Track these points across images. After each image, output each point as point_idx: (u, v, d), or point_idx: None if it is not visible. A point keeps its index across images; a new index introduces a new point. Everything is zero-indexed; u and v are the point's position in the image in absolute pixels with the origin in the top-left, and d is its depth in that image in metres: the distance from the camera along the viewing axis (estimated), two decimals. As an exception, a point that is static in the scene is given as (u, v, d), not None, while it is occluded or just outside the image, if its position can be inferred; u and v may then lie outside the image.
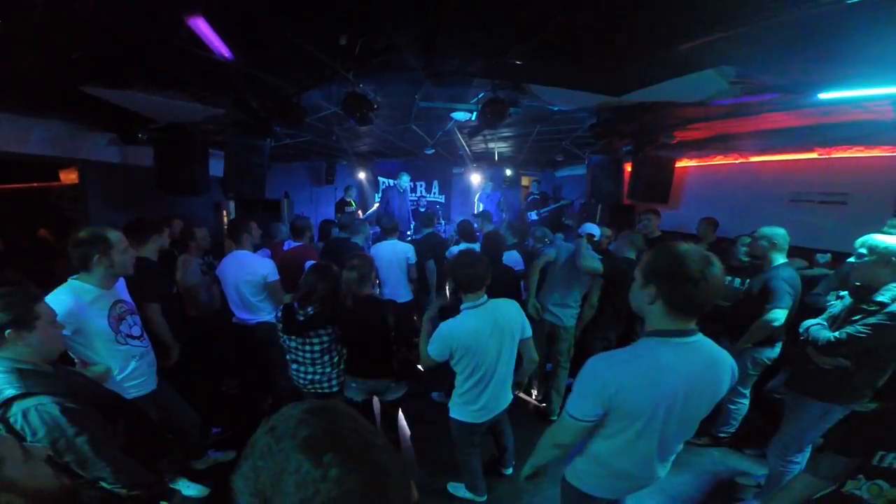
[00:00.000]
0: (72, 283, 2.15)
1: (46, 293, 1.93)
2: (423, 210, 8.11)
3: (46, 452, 1.05)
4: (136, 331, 2.37)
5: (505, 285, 3.10)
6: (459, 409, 2.48)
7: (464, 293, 2.30)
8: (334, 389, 2.66)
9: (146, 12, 1.93)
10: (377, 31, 2.14)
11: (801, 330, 2.44)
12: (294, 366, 2.68)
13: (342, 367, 2.68)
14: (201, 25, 2.05)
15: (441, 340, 2.25)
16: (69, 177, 4.48)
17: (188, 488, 2.81)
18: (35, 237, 4.53)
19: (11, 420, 1.41)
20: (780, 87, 2.84)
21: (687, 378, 1.37)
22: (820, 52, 2.15)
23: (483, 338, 2.24)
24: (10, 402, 1.42)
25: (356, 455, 0.56)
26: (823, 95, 2.86)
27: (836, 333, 2.18)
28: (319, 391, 2.65)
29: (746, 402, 3.24)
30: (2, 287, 1.50)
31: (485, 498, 2.81)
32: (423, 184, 9.56)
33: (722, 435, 3.34)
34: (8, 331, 1.47)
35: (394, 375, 2.68)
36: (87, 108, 3.29)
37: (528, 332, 2.40)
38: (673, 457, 1.57)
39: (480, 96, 3.45)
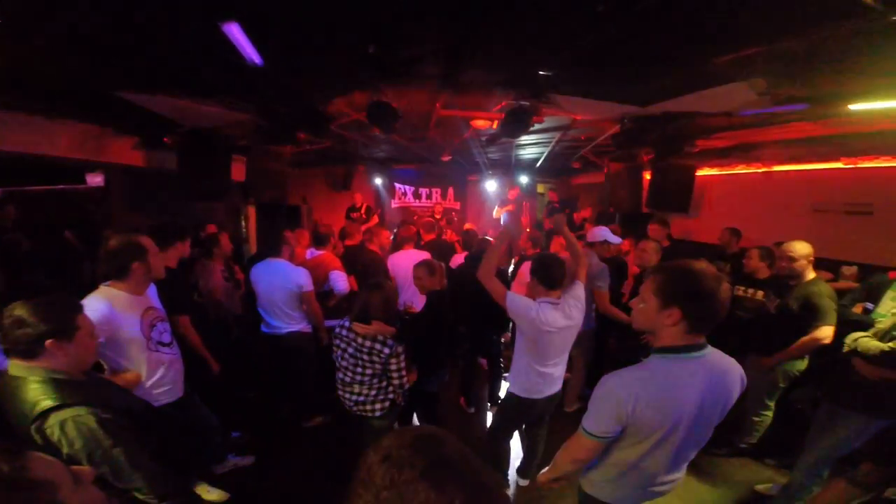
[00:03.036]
0: (104, 289, 2.15)
1: (75, 296, 1.95)
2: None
3: (94, 473, 1.05)
4: (167, 338, 2.38)
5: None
6: (518, 386, 2.60)
7: (544, 289, 2.40)
8: (376, 415, 2.55)
9: (179, 17, 1.97)
10: (405, 42, 2.16)
11: (847, 342, 2.39)
12: (340, 386, 2.61)
13: (390, 396, 2.58)
14: (234, 31, 2.09)
15: (526, 307, 2.35)
16: (94, 180, 4.57)
17: (209, 493, 2.81)
18: (60, 239, 4.62)
19: (48, 431, 1.40)
20: (809, 99, 2.80)
21: (700, 391, 1.39)
22: (854, 64, 2.12)
23: (555, 328, 2.37)
24: (47, 413, 1.40)
25: (472, 481, 0.59)
26: (854, 107, 2.82)
27: (891, 343, 2.14)
28: (362, 413, 2.56)
29: (771, 414, 3.18)
30: (44, 296, 1.52)
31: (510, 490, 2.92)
32: (439, 190, 9.60)
33: (743, 445, 3.29)
34: (48, 341, 1.45)
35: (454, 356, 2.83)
36: (114, 112, 3.35)
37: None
38: (686, 463, 1.59)
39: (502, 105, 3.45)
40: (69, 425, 1.42)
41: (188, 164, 4.35)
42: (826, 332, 2.74)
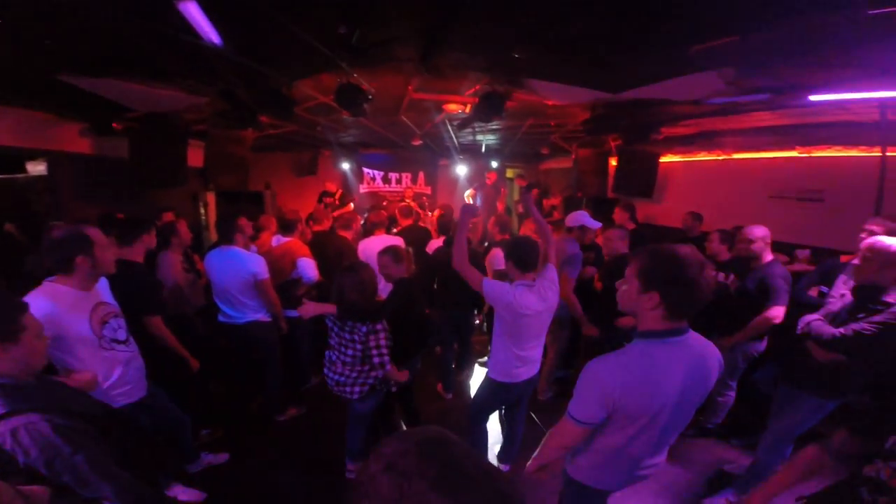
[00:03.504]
0: (48, 285, 2.00)
1: (17, 293, 1.79)
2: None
3: (48, 492, 0.97)
4: (122, 335, 2.23)
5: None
6: (497, 371, 2.61)
7: (519, 272, 2.42)
8: (355, 397, 2.59)
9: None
10: (380, 22, 2.06)
11: (800, 325, 2.46)
12: (327, 364, 2.69)
13: (369, 381, 2.60)
14: (192, 9, 1.93)
15: (502, 292, 2.36)
16: (36, 168, 4.22)
17: (184, 493, 2.70)
18: (1, 232, 4.25)
19: None
20: (773, 89, 2.89)
21: (682, 375, 1.41)
22: (819, 57, 2.18)
23: (532, 311, 2.38)
24: None
25: (487, 487, 0.55)
26: (814, 97, 2.92)
27: (842, 329, 2.20)
28: (341, 394, 2.62)
29: (733, 394, 3.32)
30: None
31: None
32: (409, 175, 9.47)
33: (710, 426, 3.42)
34: None
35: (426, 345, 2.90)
36: (58, 97, 3.09)
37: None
38: (668, 447, 1.64)
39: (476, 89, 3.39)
40: (21, 433, 1.32)
41: (141, 150, 4.10)
42: (777, 312, 2.84)
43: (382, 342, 2.51)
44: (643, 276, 1.37)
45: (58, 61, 2.49)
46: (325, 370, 2.69)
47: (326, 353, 2.70)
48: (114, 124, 3.91)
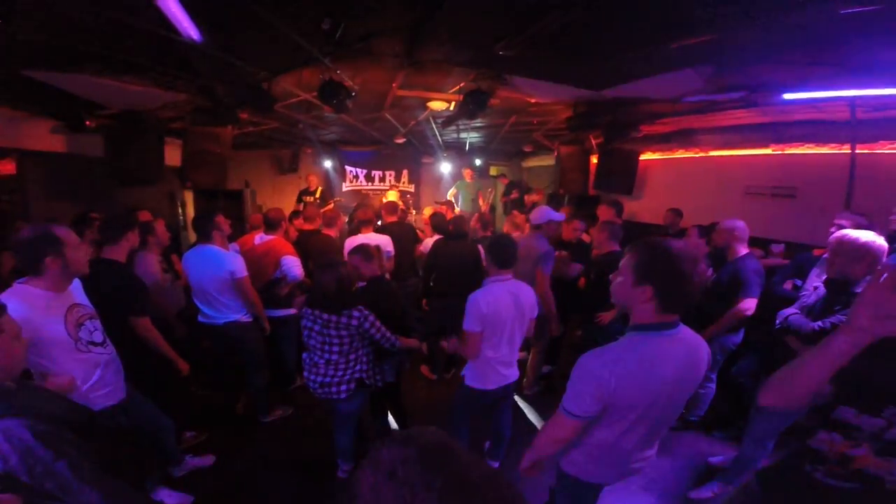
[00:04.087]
0: (18, 287, 1.93)
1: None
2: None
3: (18, 500, 0.94)
4: (98, 336, 2.16)
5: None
6: (474, 378, 2.63)
7: (496, 268, 2.49)
8: (342, 397, 2.56)
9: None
10: (364, 16, 2.04)
11: (778, 319, 2.51)
12: (307, 368, 2.63)
13: (356, 376, 2.58)
14: (170, 4, 1.88)
15: (473, 308, 2.41)
16: (5, 167, 4.06)
17: (170, 497, 2.65)
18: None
19: None
20: (748, 87, 2.97)
21: (675, 367, 1.42)
22: (791, 55, 2.25)
23: (502, 307, 2.43)
24: None
25: (492, 495, 0.53)
26: (788, 96, 3.01)
27: (820, 323, 2.26)
28: (327, 396, 2.57)
29: (713, 386, 3.38)
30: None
31: None
32: (393, 173, 9.41)
33: (693, 419, 3.48)
34: None
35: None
36: (27, 93, 2.97)
37: (535, 314, 2.64)
38: (659, 440, 1.64)
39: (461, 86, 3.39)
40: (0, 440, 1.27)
41: (116, 148, 3.98)
42: (749, 305, 2.90)
43: (383, 327, 2.54)
44: (638, 269, 1.38)
45: (26, 56, 2.40)
46: (306, 373, 2.63)
47: (304, 356, 2.64)
48: (87, 122, 3.78)
